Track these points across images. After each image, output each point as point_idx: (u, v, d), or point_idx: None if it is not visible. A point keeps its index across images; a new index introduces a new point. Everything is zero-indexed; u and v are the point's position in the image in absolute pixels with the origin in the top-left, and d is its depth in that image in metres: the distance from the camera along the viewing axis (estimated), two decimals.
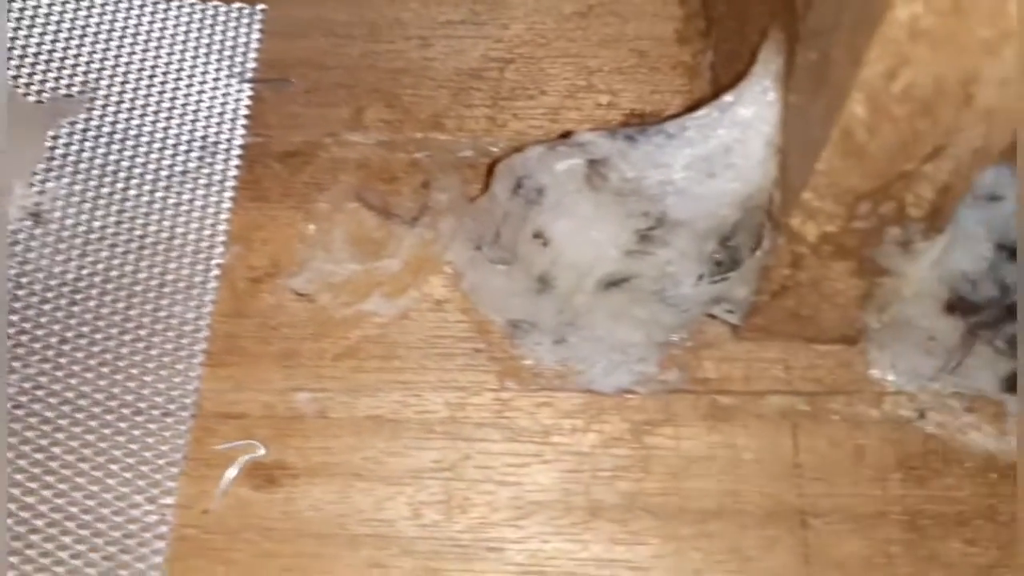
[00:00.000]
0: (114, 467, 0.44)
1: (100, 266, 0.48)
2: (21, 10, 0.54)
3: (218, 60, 0.53)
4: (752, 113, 0.39)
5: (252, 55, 0.53)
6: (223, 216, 0.49)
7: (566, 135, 0.42)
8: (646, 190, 0.40)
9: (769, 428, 0.44)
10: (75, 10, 0.54)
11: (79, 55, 0.53)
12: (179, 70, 0.53)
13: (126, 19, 0.54)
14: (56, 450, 0.44)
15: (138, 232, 0.49)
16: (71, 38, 0.53)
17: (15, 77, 0.52)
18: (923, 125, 0.32)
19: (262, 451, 0.44)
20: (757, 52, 0.38)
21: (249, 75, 0.52)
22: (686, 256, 0.41)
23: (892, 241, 0.37)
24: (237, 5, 0.54)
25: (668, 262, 0.41)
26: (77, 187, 0.50)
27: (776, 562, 0.41)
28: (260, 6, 0.54)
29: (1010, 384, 0.41)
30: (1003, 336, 0.39)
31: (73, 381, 0.45)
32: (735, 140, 0.39)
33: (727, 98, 0.39)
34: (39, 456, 0.44)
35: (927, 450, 0.43)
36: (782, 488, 0.43)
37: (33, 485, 0.43)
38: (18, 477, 0.43)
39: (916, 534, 0.42)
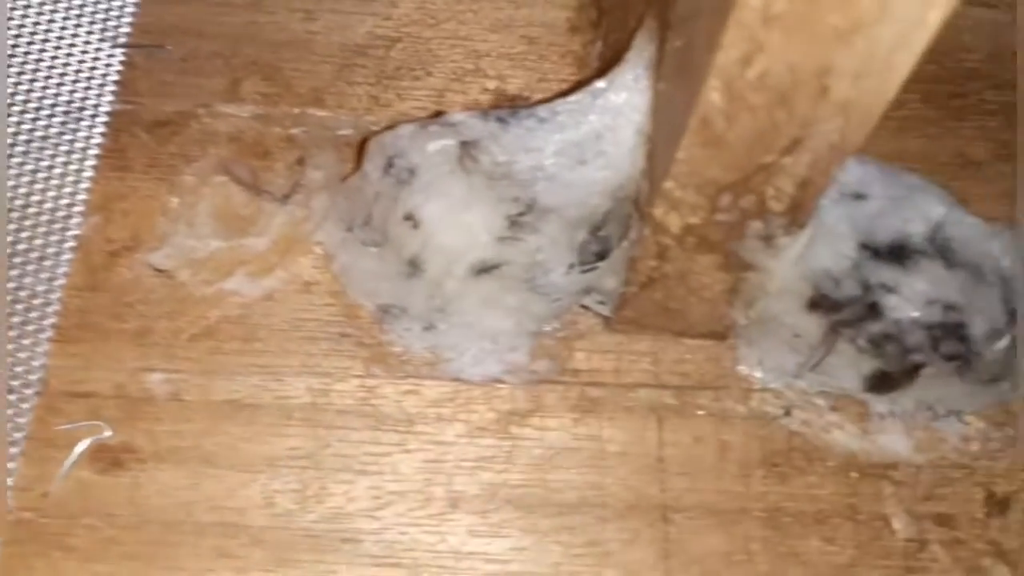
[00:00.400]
0: None
1: None
2: None
3: (90, 22, 0.51)
4: (623, 100, 0.38)
5: (127, 19, 0.51)
6: (83, 185, 0.47)
7: (437, 115, 0.41)
8: (517, 175, 0.40)
9: (636, 421, 0.44)
10: None
11: None
12: (47, 30, 0.50)
13: None
14: None
15: None
16: None
17: None
18: (780, 116, 0.32)
19: (108, 433, 0.42)
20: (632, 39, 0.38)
21: (122, 39, 0.50)
22: (557, 244, 0.41)
23: (755, 235, 0.37)
24: None
25: (539, 250, 0.41)
26: None
27: (635, 556, 0.41)
28: None
29: (872, 383, 0.42)
30: (865, 335, 0.40)
31: None
32: (606, 127, 0.38)
33: (599, 84, 0.38)
34: None
35: (791, 448, 0.44)
36: (645, 482, 0.42)
37: None
38: None
39: (776, 531, 0.42)
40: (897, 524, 0.42)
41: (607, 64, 0.47)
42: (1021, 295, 0.42)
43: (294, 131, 0.48)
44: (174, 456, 0.41)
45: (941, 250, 0.40)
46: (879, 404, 0.43)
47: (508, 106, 0.43)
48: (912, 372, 0.41)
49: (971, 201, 0.49)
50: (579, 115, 0.39)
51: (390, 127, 0.43)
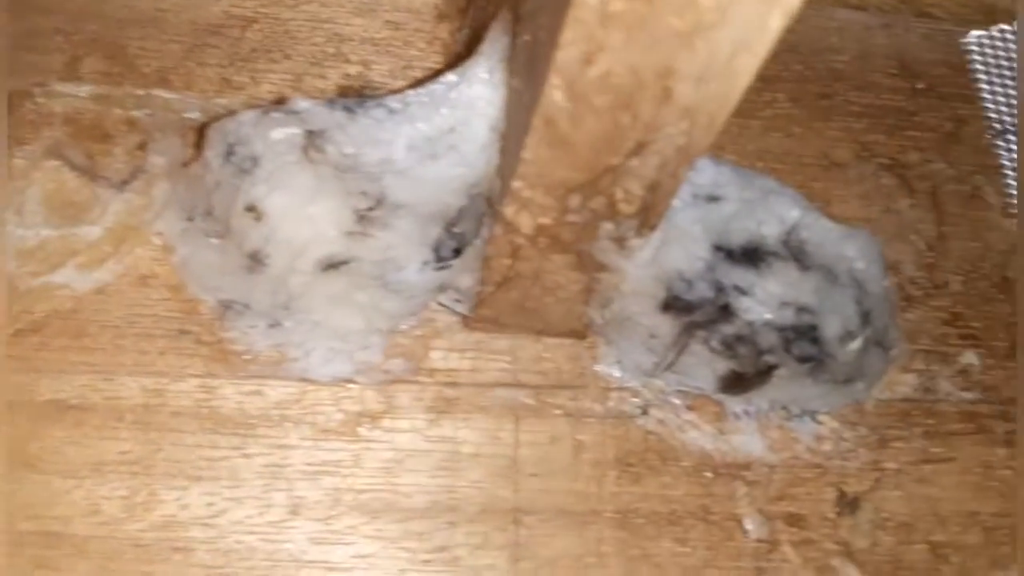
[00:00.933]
0: None
1: None
2: None
3: None
4: (476, 94, 0.37)
5: None
6: None
7: (280, 101, 0.39)
8: (365, 168, 0.38)
9: (491, 422, 0.42)
10: None
11: None
12: None
13: None
14: None
15: None
16: None
17: None
18: (624, 119, 0.31)
19: None
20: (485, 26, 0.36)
21: None
22: (409, 241, 0.39)
23: (607, 237, 0.36)
24: None
25: (390, 246, 0.39)
26: None
27: (485, 561, 0.40)
28: None
29: (726, 384, 0.42)
30: (718, 337, 0.40)
31: None
32: (459, 122, 0.37)
33: (451, 76, 0.37)
34: None
35: (646, 448, 0.43)
36: (498, 484, 0.41)
37: None
38: None
39: (629, 533, 0.42)
40: (749, 525, 0.43)
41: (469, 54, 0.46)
42: (874, 297, 0.42)
43: (136, 113, 0.45)
44: None
45: (795, 252, 0.40)
46: (735, 404, 0.43)
47: (356, 95, 0.41)
48: (765, 373, 0.41)
49: (832, 202, 0.50)
50: (431, 108, 0.37)
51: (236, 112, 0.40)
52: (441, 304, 0.43)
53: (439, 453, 0.42)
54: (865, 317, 0.42)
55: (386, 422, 0.42)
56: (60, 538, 0.38)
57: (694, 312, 0.39)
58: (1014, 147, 0.52)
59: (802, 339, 0.40)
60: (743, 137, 0.49)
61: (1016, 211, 0.51)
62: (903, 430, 0.46)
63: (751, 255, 0.39)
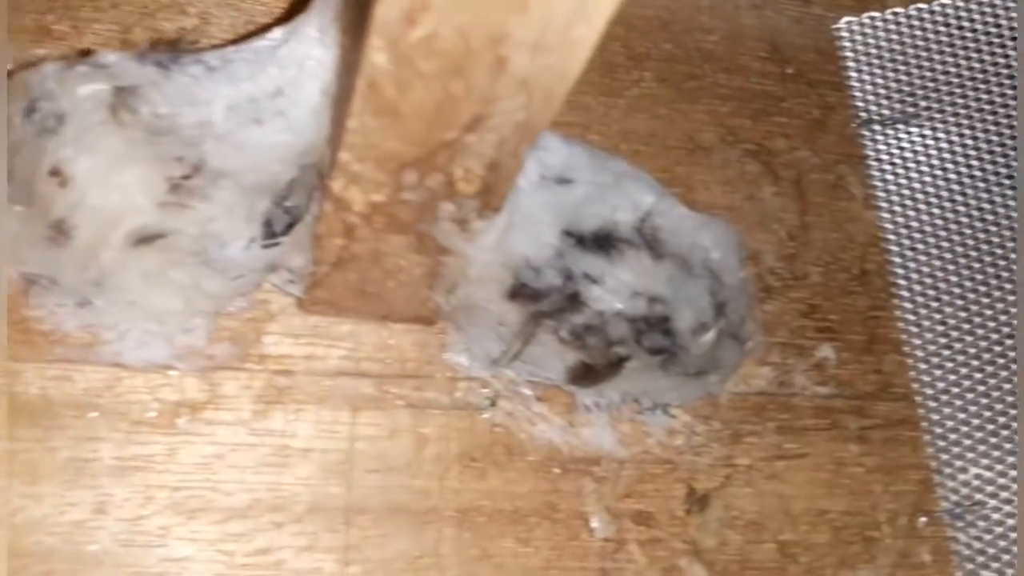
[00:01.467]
0: None
1: None
2: None
3: None
4: (306, 53, 0.34)
5: None
6: None
7: (86, 53, 0.35)
8: (182, 130, 0.34)
9: (327, 413, 0.40)
10: None
11: None
12: None
13: None
14: None
15: None
16: None
17: None
18: (456, 88, 0.28)
19: None
20: None
21: None
22: (233, 214, 0.36)
23: (447, 218, 0.34)
24: None
25: (211, 219, 0.36)
26: None
27: (311, 565, 0.37)
28: None
29: (576, 375, 0.40)
30: (567, 326, 0.38)
31: None
32: (287, 83, 0.34)
33: (278, 33, 0.33)
34: None
35: (493, 441, 0.41)
36: (330, 481, 0.39)
37: None
38: None
39: (469, 532, 0.39)
40: (595, 523, 0.41)
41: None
42: (730, 288, 0.41)
43: None
44: None
45: (649, 240, 0.38)
46: (585, 396, 0.42)
47: (169, 49, 0.37)
48: (616, 365, 0.39)
49: (696, 188, 0.48)
50: (256, 66, 0.34)
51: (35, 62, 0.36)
52: (275, 285, 0.40)
53: (266, 447, 0.39)
54: (720, 308, 0.41)
55: (208, 413, 0.38)
56: None
57: (542, 300, 0.37)
58: (879, 137, 0.52)
59: (654, 330, 0.39)
60: (608, 117, 0.48)
61: (875, 206, 0.51)
62: (757, 425, 0.45)
63: (603, 242, 0.37)
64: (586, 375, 0.40)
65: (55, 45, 0.43)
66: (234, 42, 0.35)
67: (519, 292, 0.37)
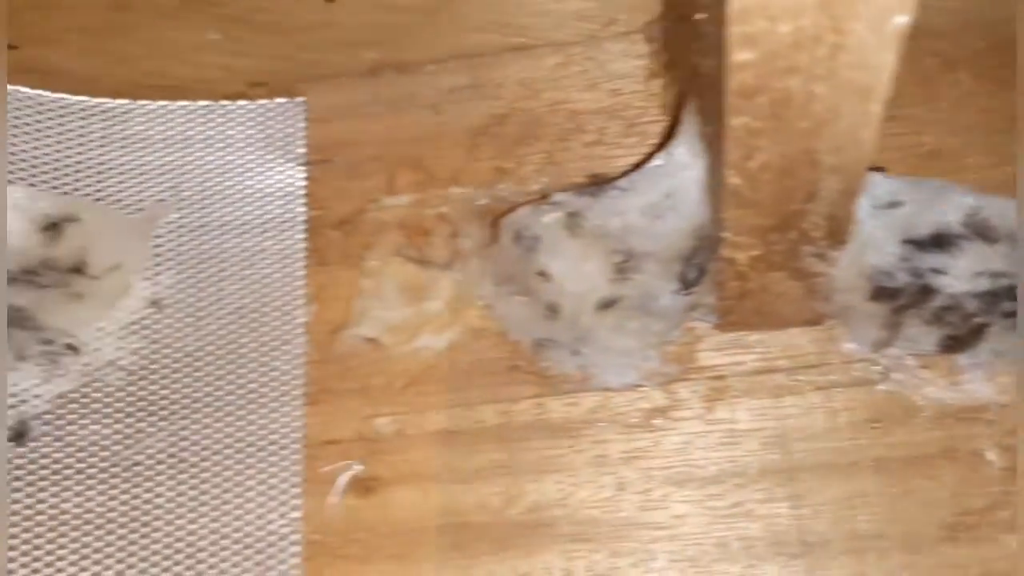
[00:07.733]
0: (251, 494, 0.63)
1: (211, 337, 0.66)
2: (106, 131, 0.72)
3: (275, 149, 0.70)
4: (682, 164, 0.52)
5: (299, 141, 0.70)
6: (299, 282, 0.67)
7: (544, 197, 0.57)
8: (613, 233, 0.55)
9: (756, 402, 0.58)
10: (157, 127, 0.72)
11: (163, 166, 0.71)
12: (243, 163, 0.70)
13: (192, 128, 0.72)
14: (205, 486, 0.63)
15: (235, 304, 0.67)
16: (154, 151, 0.72)
17: (112, 195, 0.71)
18: (790, 184, 0.45)
19: (359, 467, 0.62)
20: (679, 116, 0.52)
21: (300, 159, 0.69)
22: (659, 278, 0.56)
23: (809, 255, 0.50)
24: (280, 100, 0.71)
25: (645, 284, 0.56)
26: (182, 275, 0.68)
27: (772, 511, 0.56)
28: (300, 98, 0.71)
29: (946, 346, 0.54)
30: (927, 311, 0.52)
31: (209, 431, 0.64)
32: (674, 189, 0.53)
33: (658, 160, 0.53)
34: (192, 492, 0.63)
35: (891, 405, 0.57)
36: (770, 451, 0.57)
37: (192, 515, 0.62)
38: (181, 510, 0.62)
39: (887, 476, 0.56)
40: (991, 456, 0.55)
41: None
42: None
43: (443, 209, 0.66)
44: (408, 478, 0.61)
45: (979, 231, 0.51)
46: (961, 359, 0.56)
47: (594, 184, 0.59)
48: (978, 331, 0.53)
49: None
50: (650, 182, 0.54)
51: (513, 206, 0.59)
52: (697, 319, 0.59)
53: (719, 432, 0.58)
54: None
55: (673, 413, 0.59)
56: (467, 527, 0.59)
57: (899, 297, 0.52)
58: None
59: (1004, 298, 0.52)
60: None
61: None
62: None
63: (939, 241, 0.51)
64: (955, 344, 0.54)
65: (507, 178, 0.66)
66: (633, 169, 0.55)
67: (879, 294, 0.53)
